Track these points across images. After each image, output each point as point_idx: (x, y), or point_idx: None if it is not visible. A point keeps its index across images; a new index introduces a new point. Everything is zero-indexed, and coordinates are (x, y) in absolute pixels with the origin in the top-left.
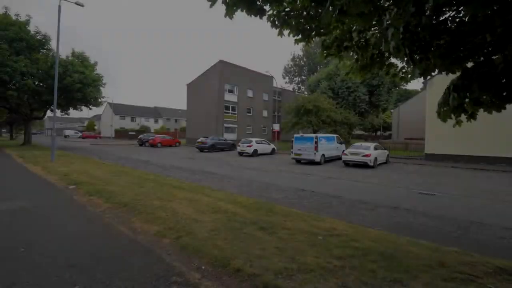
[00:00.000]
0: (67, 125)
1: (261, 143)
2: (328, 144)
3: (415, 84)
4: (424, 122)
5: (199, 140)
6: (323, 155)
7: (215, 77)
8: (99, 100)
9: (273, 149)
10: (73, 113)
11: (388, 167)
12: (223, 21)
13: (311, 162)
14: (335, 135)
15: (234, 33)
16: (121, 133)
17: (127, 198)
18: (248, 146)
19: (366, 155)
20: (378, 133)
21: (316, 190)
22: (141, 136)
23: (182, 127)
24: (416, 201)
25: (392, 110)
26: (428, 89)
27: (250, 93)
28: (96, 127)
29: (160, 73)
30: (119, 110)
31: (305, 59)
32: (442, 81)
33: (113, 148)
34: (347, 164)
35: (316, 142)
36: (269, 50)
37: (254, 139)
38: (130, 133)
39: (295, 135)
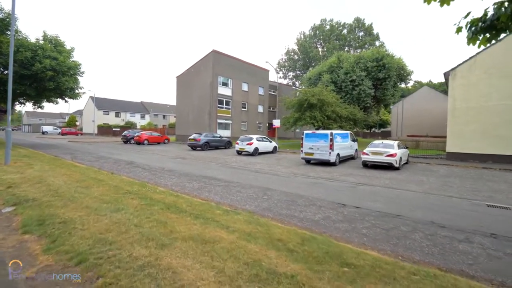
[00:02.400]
0: (47, 121)
1: (262, 141)
2: (342, 142)
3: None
4: (426, 119)
5: (191, 137)
6: (338, 154)
7: (208, 69)
8: (77, 91)
9: (275, 147)
10: (52, 107)
11: (412, 168)
12: (217, 13)
13: (324, 163)
14: (348, 132)
15: (227, 27)
16: (104, 130)
17: (88, 239)
18: (248, 144)
19: (391, 155)
20: (373, 130)
21: (359, 205)
22: (125, 132)
23: (171, 123)
24: (502, 221)
25: (391, 107)
26: (451, 81)
27: (245, 87)
28: (77, 123)
29: (147, 65)
30: (102, 104)
31: (299, 53)
32: (467, 72)
33: (94, 146)
34: (366, 165)
35: (332, 140)
36: (264, 46)
37: (254, 136)
38: (114, 129)
39: (305, 132)
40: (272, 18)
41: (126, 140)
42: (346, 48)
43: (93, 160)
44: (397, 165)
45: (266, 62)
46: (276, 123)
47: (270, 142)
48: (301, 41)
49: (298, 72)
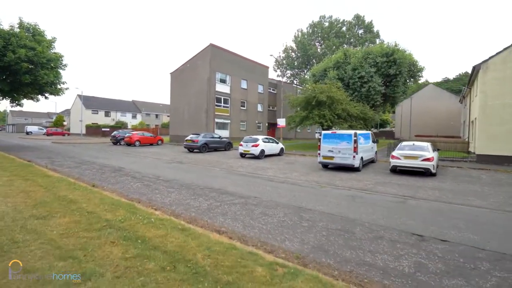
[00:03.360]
0: (33, 121)
1: (269, 142)
2: (365, 144)
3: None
4: (430, 118)
5: (188, 137)
6: (361, 158)
7: (205, 64)
8: (59, 86)
9: (282, 149)
10: (39, 106)
11: (448, 174)
12: (212, 8)
13: (345, 168)
14: (369, 132)
15: (223, 24)
16: (93, 130)
17: None
18: (253, 146)
19: (428, 159)
20: (371, 130)
21: (443, 236)
22: (115, 132)
23: (164, 123)
24: None
25: (396, 106)
26: (481, 75)
27: (244, 84)
28: (65, 123)
29: (139, 62)
30: (91, 103)
31: (297, 51)
32: (501, 65)
33: (79, 148)
34: (394, 170)
35: (356, 141)
36: (260, 44)
37: (260, 137)
38: (103, 129)
39: (324, 132)
40: (269, 15)
41: (116, 141)
42: (345, 46)
43: (73, 166)
44: (434, 171)
45: (271, 55)
46: (281, 122)
47: (277, 143)
48: (299, 39)
49: (296, 70)
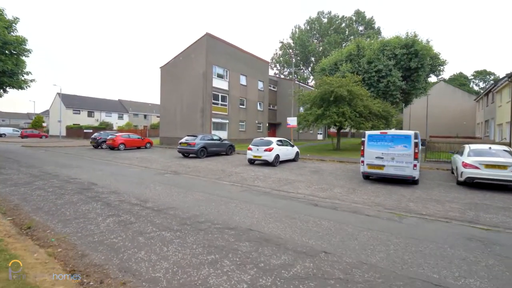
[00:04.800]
0: (11, 121)
1: (283, 145)
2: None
3: None
4: (440, 118)
5: (183, 140)
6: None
7: (200, 57)
8: (21, 77)
9: (297, 153)
10: (18, 107)
11: None
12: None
13: (393, 180)
14: (418, 131)
15: (216, 18)
16: (74, 131)
17: None
18: (267, 150)
19: None
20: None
21: None
22: (96, 134)
23: (153, 124)
24: None
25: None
26: None
27: (243, 80)
28: (45, 124)
29: (126, 58)
30: (72, 102)
31: (295, 47)
32: None
33: (50, 153)
34: (465, 182)
35: (417, 145)
36: (256, 41)
37: (274, 139)
38: (85, 130)
39: (369, 133)
40: (264, 11)
41: (97, 145)
42: (344, 44)
43: (22, 183)
44: None
45: (281, 42)
46: (292, 121)
47: (292, 146)
48: (297, 35)
49: (295, 68)
